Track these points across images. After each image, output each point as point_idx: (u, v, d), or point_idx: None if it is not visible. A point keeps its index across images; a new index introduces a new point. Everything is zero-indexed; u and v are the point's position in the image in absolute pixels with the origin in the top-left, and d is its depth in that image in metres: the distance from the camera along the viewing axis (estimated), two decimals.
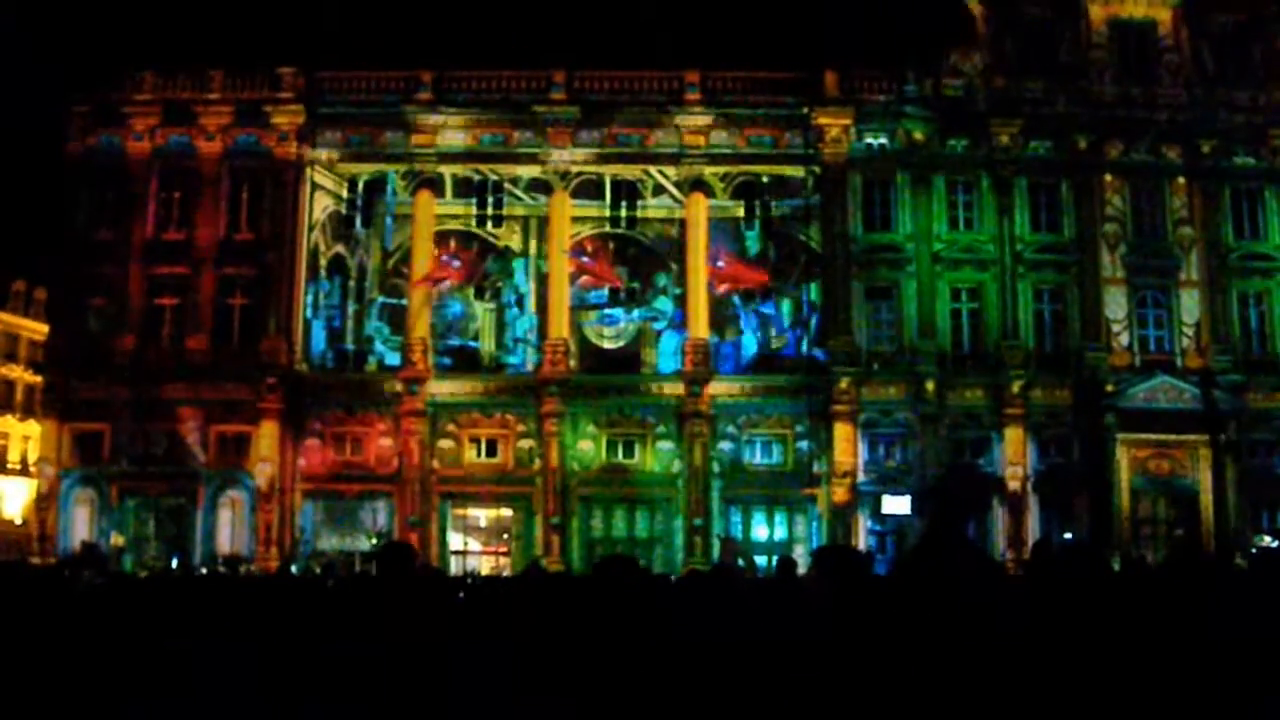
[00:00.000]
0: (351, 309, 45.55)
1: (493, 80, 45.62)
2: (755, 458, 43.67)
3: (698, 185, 44.80)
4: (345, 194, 46.09)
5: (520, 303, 45.57)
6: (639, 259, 45.87)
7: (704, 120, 44.82)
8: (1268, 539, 38.44)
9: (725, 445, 43.42)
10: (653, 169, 45.44)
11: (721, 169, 45.18)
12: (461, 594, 12.68)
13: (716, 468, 43.16)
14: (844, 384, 42.74)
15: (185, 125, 45.07)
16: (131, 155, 44.98)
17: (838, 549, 9.58)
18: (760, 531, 43.57)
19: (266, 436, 43.11)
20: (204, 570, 37.38)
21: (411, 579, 6.40)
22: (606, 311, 45.37)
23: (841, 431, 42.66)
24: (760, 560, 34.73)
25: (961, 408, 43.07)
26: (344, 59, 45.94)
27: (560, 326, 44.11)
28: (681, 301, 44.52)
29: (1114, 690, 4.39)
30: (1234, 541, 38.68)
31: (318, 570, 35.96)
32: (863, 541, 41.65)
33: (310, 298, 44.78)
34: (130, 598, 11.03)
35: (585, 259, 44.54)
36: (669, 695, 5.22)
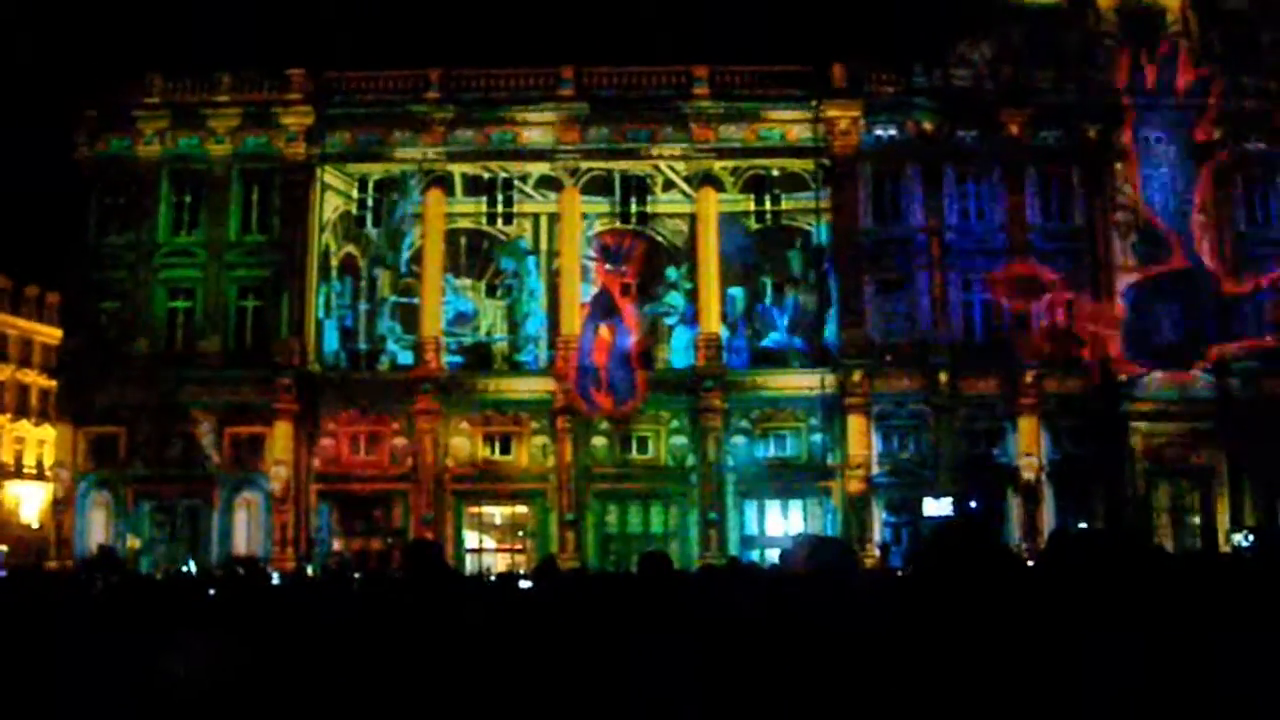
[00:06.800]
0: (363, 308, 45.57)
1: (501, 78, 45.63)
2: (769, 451, 43.63)
3: (707, 180, 44.78)
4: (355, 194, 46.08)
5: (531, 300, 45.56)
6: (650, 254, 45.75)
7: (713, 114, 44.80)
8: (1243, 534, 37.65)
9: (739, 439, 43.39)
10: (662, 164, 45.39)
11: (731, 163, 45.13)
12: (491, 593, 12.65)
13: (730, 461, 43.14)
14: (857, 376, 42.68)
15: (194, 128, 45.18)
16: (141, 159, 45.09)
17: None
18: (775, 525, 43.50)
19: (281, 437, 43.20)
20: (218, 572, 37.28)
21: (440, 576, 6.40)
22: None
23: (855, 424, 42.62)
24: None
25: (975, 398, 42.97)
26: (352, 59, 46.02)
27: (572, 323, 44.10)
28: (693, 296, 44.49)
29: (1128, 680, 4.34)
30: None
31: (334, 569, 35.93)
32: (877, 534, 41.63)
33: (322, 298, 44.84)
34: (148, 598, 10.99)
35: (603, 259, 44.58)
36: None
